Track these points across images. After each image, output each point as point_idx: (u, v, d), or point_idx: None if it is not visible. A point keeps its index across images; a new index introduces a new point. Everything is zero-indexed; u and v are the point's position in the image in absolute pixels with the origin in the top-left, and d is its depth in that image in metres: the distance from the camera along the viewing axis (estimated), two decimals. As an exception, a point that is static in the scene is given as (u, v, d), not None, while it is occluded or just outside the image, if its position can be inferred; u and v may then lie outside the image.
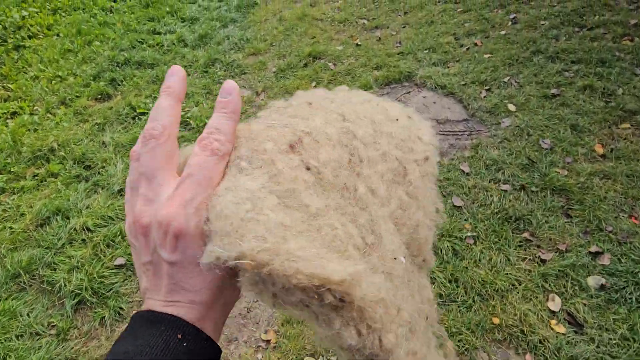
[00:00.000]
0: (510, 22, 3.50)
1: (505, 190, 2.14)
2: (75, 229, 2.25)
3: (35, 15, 4.79)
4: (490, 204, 2.08)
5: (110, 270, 2.03)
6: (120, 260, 2.07)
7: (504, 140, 2.43)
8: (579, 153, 2.26)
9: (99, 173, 2.63)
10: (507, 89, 2.79)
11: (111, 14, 4.78)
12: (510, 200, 2.09)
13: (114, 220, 2.30)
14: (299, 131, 0.35)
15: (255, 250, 0.25)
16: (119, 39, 4.14)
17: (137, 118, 3.09)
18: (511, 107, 2.64)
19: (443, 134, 2.60)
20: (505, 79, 2.88)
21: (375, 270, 0.32)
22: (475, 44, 3.33)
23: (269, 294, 0.27)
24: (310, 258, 0.26)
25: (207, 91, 3.30)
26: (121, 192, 2.48)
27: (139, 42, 4.08)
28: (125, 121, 3.08)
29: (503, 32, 3.40)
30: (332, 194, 0.33)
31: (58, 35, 4.45)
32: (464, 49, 3.29)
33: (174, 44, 3.98)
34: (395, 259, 0.34)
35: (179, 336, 0.28)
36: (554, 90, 2.67)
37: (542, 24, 3.36)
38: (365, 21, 4.02)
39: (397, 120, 0.46)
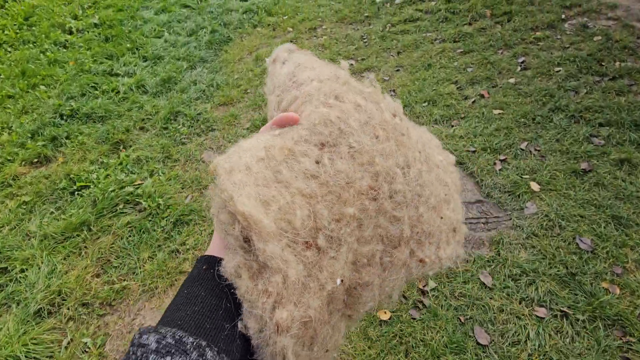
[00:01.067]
0: (519, 68, 3.06)
1: (542, 319, 1.64)
2: (-34, 381, 1.65)
3: (-24, 51, 4.18)
4: (526, 342, 1.57)
5: None
6: None
7: (531, 236, 1.94)
8: (629, 259, 1.78)
9: (16, 280, 2.04)
10: (527, 160, 2.32)
11: (64, 50, 4.19)
12: (550, 336, 1.58)
13: (23, 362, 1.71)
14: (346, 139, 0.40)
15: (218, 162, 0.38)
16: (68, 83, 3.56)
17: (76, 194, 2.51)
18: (534, 187, 2.16)
19: (453, 222, 2.10)
20: (523, 146, 2.40)
21: (293, 246, 0.35)
22: (482, 96, 2.86)
23: (216, 206, 0.38)
24: (240, 191, 0.35)
25: (166, 155, 2.74)
26: (40, 312, 1.89)
27: (91, 86, 3.50)
28: (61, 199, 2.49)
29: (512, 80, 2.95)
30: (319, 189, 0.37)
31: (-1, 76, 3.84)
32: (469, 102, 2.82)
33: (131, 89, 3.42)
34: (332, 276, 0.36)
35: (204, 267, 0.41)
36: (584, 165, 2.20)
37: (557, 72, 2.92)
38: (354, 62, 3.54)
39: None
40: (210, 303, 0.37)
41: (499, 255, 1.89)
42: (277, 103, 0.50)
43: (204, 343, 0.34)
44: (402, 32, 3.80)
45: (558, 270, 1.77)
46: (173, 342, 0.34)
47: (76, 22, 4.69)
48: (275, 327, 0.32)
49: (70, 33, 4.54)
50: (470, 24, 3.73)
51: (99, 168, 2.69)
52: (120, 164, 2.69)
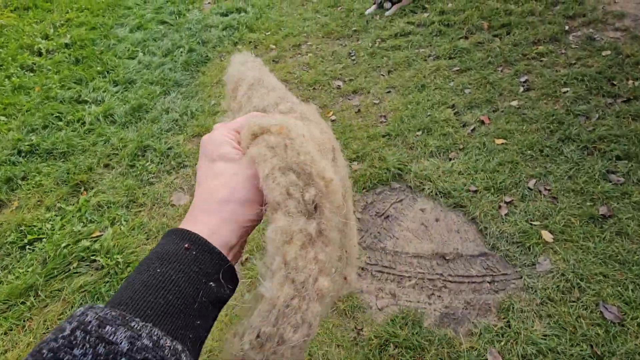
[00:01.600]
0: (521, 88, 2.78)
1: (566, 417, 1.35)
2: None
3: None
4: None
5: None
6: None
7: (546, 301, 1.65)
8: (665, 333, 1.50)
9: (-55, 364, 1.74)
10: (536, 202, 2.03)
11: (31, 74, 3.90)
12: None
13: None
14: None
15: (288, 123, 0.39)
16: (31, 113, 3.26)
17: (26, 248, 2.22)
18: (547, 236, 1.87)
19: (455, 282, 1.81)
20: (531, 184, 2.12)
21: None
22: (482, 122, 2.58)
23: (271, 166, 0.36)
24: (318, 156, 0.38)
25: (131, 199, 2.45)
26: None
27: (55, 117, 3.21)
28: (9, 255, 2.19)
29: (515, 103, 2.66)
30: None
31: (-42, 106, 3.54)
32: (468, 130, 2.54)
33: (98, 119, 3.12)
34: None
35: (186, 245, 0.34)
36: (602, 209, 1.92)
37: (564, 93, 2.64)
38: (341, 83, 3.25)
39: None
40: (186, 293, 0.31)
41: (509, 327, 1.60)
42: (276, 104, 0.51)
43: (179, 347, 0.29)
44: (392, 47, 3.52)
45: (581, 349, 1.49)
46: (150, 345, 0.26)
47: (47, 42, 4.40)
48: (316, 293, 0.34)
49: (40, 55, 4.24)
50: (466, 37, 3.46)
51: (56, 215, 2.40)
52: (79, 210, 2.40)
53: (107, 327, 0.26)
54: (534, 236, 1.88)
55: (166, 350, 0.27)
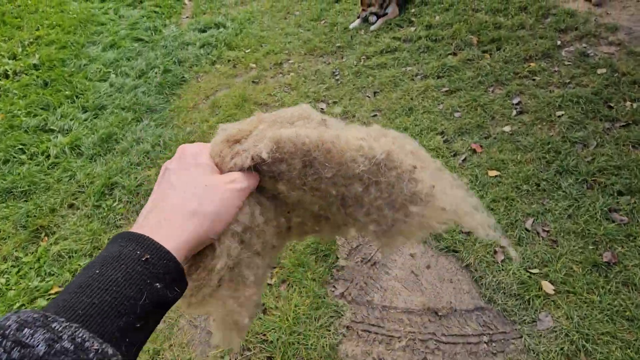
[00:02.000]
0: (514, 111, 2.62)
1: None
2: None
3: None
4: None
5: None
6: None
7: (550, 368, 1.49)
8: (682, 408, 1.34)
9: None
10: (534, 246, 1.87)
11: (-4, 100, 3.65)
12: None
13: None
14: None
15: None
16: (-8, 145, 3.03)
17: (-23, 309, 2.00)
18: (547, 287, 1.71)
19: (449, 342, 1.64)
20: (528, 224, 1.96)
21: None
22: (474, 151, 2.42)
23: (286, 129, 0.44)
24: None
25: (95, 245, 2.24)
26: None
27: (18, 149, 2.98)
28: (-43, 317, 1.97)
29: (508, 129, 2.51)
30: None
31: None
32: (459, 160, 2.38)
33: (64, 152, 2.90)
34: None
35: (132, 246, 0.32)
36: (606, 255, 1.76)
37: (559, 117, 2.49)
38: (325, 105, 3.07)
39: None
40: (126, 293, 0.29)
41: (511, 401, 1.43)
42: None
43: (110, 351, 0.26)
44: (378, 65, 3.34)
45: None
46: (71, 348, 0.25)
47: (14, 62, 4.15)
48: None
49: (7, 77, 3.99)
50: (454, 54, 3.30)
51: (12, 267, 2.18)
52: (38, 260, 2.19)
53: (25, 329, 0.24)
54: (534, 287, 1.71)
55: (91, 354, 0.25)
